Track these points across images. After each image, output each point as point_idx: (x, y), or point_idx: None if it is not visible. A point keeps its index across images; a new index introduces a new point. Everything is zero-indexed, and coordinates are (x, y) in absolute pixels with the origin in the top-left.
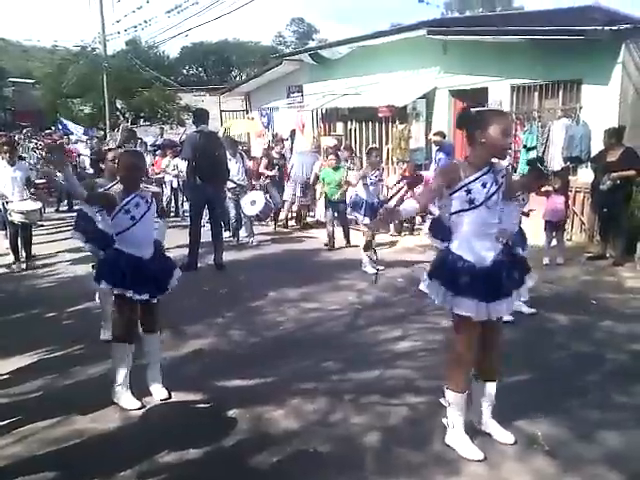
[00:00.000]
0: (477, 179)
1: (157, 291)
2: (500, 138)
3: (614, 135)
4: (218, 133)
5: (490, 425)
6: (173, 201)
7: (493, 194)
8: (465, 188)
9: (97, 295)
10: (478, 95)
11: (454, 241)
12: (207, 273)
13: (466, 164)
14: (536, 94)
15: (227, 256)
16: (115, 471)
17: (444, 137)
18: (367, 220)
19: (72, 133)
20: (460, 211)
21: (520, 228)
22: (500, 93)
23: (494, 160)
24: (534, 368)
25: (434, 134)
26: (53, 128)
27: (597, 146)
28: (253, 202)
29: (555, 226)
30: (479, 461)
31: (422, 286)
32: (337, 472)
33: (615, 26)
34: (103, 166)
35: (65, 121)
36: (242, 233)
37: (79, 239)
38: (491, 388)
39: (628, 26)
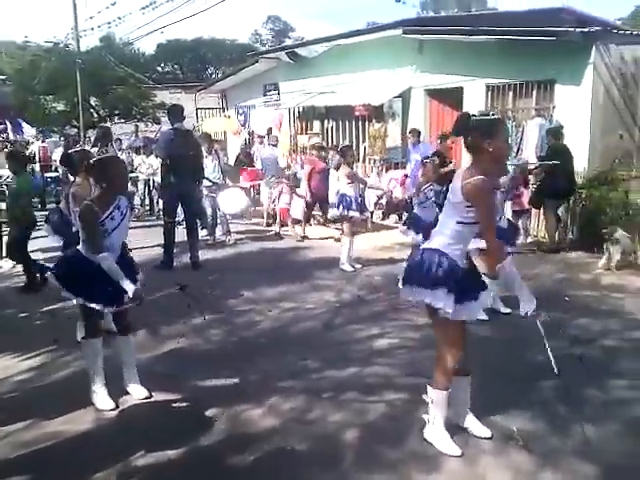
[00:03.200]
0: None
1: (118, 301)
2: (505, 148)
3: (550, 134)
4: (193, 131)
5: (467, 420)
6: (148, 200)
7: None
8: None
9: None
10: (453, 95)
11: (449, 245)
12: (184, 272)
13: (486, 175)
14: (510, 94)
15: (204, 255)
16: (89, 474)
17: (419, 135)
18: (357, 214)
19: (23, 133)
20: (473, 223)
21: (511, 223)
22: (475, 93)
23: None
24: (508, 365)
25: (409, 132)
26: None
27: (570, 145)
28: (232, 200)
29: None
30: (457, 457)
31: (428, 299)
32: (316, 470)
33: (586, 28)
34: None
35: (20, 120)
36: (218, 232)
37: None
38: (468, 382)
39: (598, 28)
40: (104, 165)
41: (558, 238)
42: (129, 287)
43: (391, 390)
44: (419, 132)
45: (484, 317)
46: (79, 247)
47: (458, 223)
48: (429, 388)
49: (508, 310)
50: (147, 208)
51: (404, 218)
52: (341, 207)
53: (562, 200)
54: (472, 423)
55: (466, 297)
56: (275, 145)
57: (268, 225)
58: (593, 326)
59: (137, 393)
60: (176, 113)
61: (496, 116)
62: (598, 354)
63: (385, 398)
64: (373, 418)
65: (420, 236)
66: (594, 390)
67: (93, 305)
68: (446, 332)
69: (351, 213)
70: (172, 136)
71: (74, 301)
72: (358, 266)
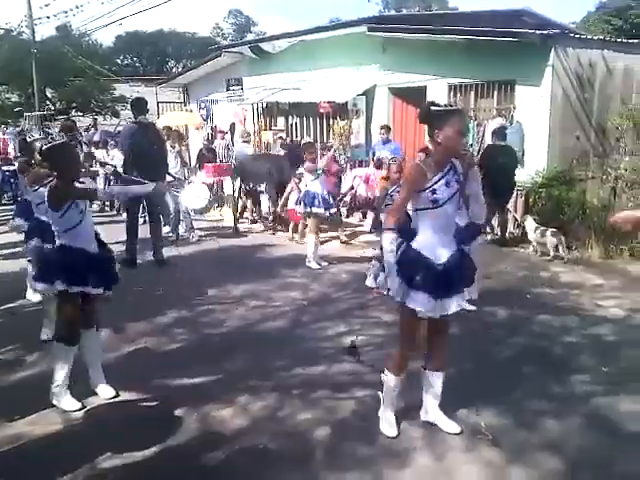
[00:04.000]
0: (441, 179)
1: (110, 283)
2: (455, 138)
3: (494, 134)
4: (156, 124)
5: (436, 416)
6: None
7: (455, 193)
8: (431, 188)
9: (29, 292)
10: (417, 93)
11: (414, 237)
12: (147, 270)
13: (430, 162)
14: (472, 93)
15: (168, 252)
16: (56, 476)
17: (389, 132)
18: (321, 211)
19: None
20: (424, 209)
21: (472, 224)
22: (438, 92)
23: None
24: (474, 361)
25: (381, 127)
26: None
27: (530, 145)
28: (195, 196)
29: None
30: (393, 438)
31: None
32: (287, 468)
33: (546, 31)
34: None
35: None
36: (181, 228)
37: (20, 226)
38: (438, 379)
39: (557, 31)
40: (56, 152)
41: (507, 234)
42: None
43: (360, 387)
44: (389, 128)
45: (472, 308)
46: (59, 241)
47: (414, 211)
48: (385, 369)
49: (473, 307)
50: (107, 203)
51: (369, 217)
52: (303, 204)
53: (499, 199)
54: (441, 419)
55: (427, 289)
56: (247, 141)
57: (236, 221)
58: (552, 322)
59: (104, 393)
60: (139, 106)
61: (453, 107)
62: (560, 350)
63: (354, 395)
64: (343, 415)
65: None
66: (557, 385)
67: (88, 289)
68: (400, 318)
69: (315, 210)
70: (135, 130)
71: (58, 289)
72: (324, 264)
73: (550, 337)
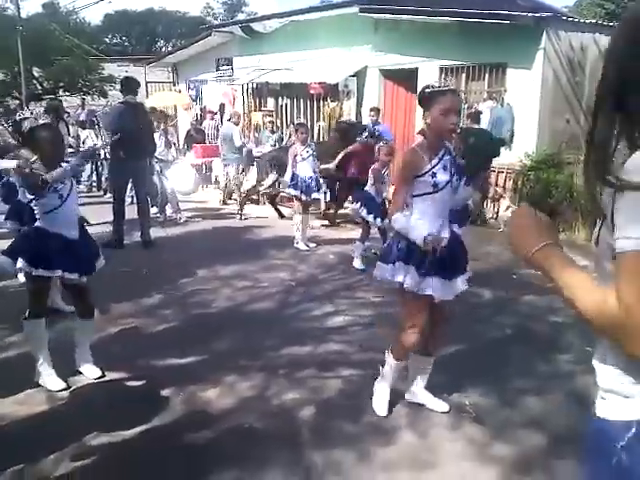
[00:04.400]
0: (439, 162)
1: (85, 271)
2: (440, 118)
3: (469, 117)
4: (144, 105)
5: (425, 398)
6: (95, 175)
7: (452, 176)
8: (430, 172)
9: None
10: (408, 75)
11: (416, 222)
12: (134, 251)
13: (425, 146)
14: (463, 75)
15: (155, 233)
16: (41, 455)
17: (379, 114)
18: (303, 196)
19: None
20: (424, 194)
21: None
22: (429, 74)
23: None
24: (459, 342)
25: (371, 109)
26: None
27: (520, 128)
28: (181, 177)
29: None
30: (383, 417)
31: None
32: (274, 447)
33: (538, 13)
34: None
35: None
36: (169, 209)
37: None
38: (429, 364)
39: (549, 14)
40: (37, 133)
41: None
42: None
43: (347, 366)
44: (379, 110)
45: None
46: (37, 224)
47: (412, 197)
48: (387, 351)
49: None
50: (94, 184)
51: (354, 196)
52: (292, 187)
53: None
54: (429, 399)
55: (432, 273)
56: (237, 123)
57: (224, 203)
58: (538, 302)
59: (90, 373)
60: (128, 86)
61: (441, 87)
62: (546, 329)
63: (341, 374)
64: (330, 394)
65: (372, 216)
66: (542, 364)
67: (58, 273)
68: (406, 305)
69: (293, 192)
70: (122, 109)
71: (18, 267)
72: (312, 245)
73: (535, 317)
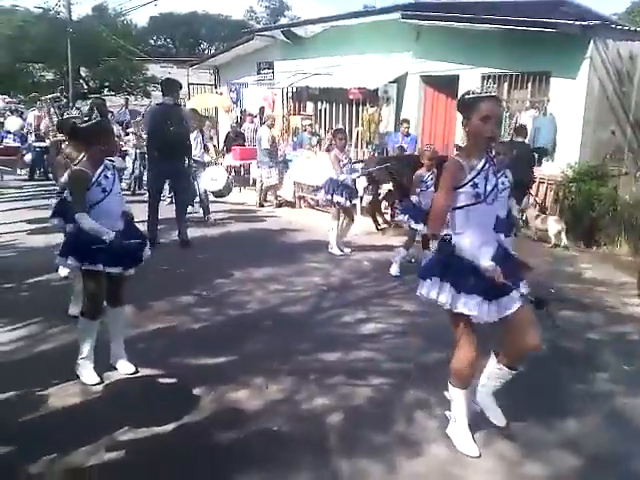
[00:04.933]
0: (480, 172)
1: (130, 264)
2: (480, 125)
3: (514, 130)
4: (182, 106)
5: (485, 401)
6: (138, 173)
7: (495, 186)
8: (471, 183)
9: (61, 268)
10: (449, 82)
11: (457, 236)
12: (171, 250)
13: (464, 156)
14: (506, 84)
15: (192, 233)
16: (74, 447)
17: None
18: (342, 200)
19: None
20: (465, 206)
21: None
22: (471, 81)
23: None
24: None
25: (404, 121)
26: None
27: (563, 138)
28: (213, 179)
29: None
30: (475, 457)
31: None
32: (301, 452)
33: (585, 21)
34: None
35: None
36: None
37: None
38: (506, 373)
39: (597, 22)
40: (94, 129)
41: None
42: (109, 236)
43: (377, 375)
44: (409, 121)
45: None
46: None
47: (457, 209)
48: (449, 384)
49: None
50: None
51: (399, 205)
52: (323, 192)
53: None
54: (489, 406)
55: (476, 291)
56: (271, 126)
57: (260, 206)
58: (576, 319)
59: (124, 368)
60: (168, 87)
61: (482, 94)
62: (583, 347)
63: (371, 382)
64: (359, 402)
65: (421, 225)
66: (578, 383)
67: (100, 268)
68: (456, 330)
69: (336, 198)
70: (156, 110)
71: (83, 266)
72: (347, 250)
73: (573, 334)
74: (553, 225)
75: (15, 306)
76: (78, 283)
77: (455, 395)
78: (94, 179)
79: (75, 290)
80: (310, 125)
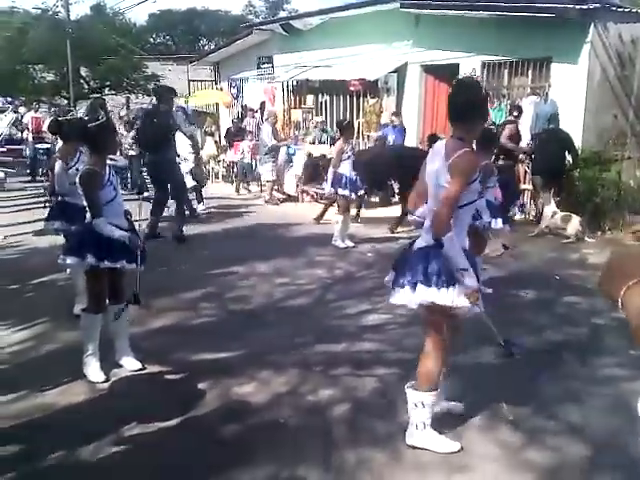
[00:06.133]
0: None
1: (141, 260)
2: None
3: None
4: (169, 107)
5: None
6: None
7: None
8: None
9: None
10: (449, 71)
11: (448, 237)
12: (171, 246)
13: (468, 146)
14: (506, 71)
15: (194, 229)
16: (82, 443)
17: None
18: (348, 193)
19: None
20: (469, 204)
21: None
22: (471, 69)
23: None
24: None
25: (394, 114)
26: None
27: (565, 124)
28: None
29: None
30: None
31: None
32: (306, 443)
33: (585, 5)
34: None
35: None
36: (201, 206)
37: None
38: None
39: (597, 5)
40: (101, 131)
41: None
42: (126, 236)
43: (381, 365)
44: (400, 114)
45: None
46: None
47: (463, 207)
48: (417, 393)
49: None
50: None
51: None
52: (329, 185)
53: (547, 180)
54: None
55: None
56: (274, 123)
57: (265, 202)
58: (581, 304)
59: (130, 365)
60: (164, 95)
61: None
62: (587, 333)
63: (375, 373)
64: (364, 393)
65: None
66: (583, 368)
67: (120, 265)
68: (439, 326)
69: (341, 192)
70: (144, 113)
71: (88, 262)
72: (351, 243)
73: (578, 319)
74: (574, 224)
75: (21, 307)
76: (79, 280)
77: (428, 399)
78: (106, 178)
79: (79, 289)
80: (322, 122)
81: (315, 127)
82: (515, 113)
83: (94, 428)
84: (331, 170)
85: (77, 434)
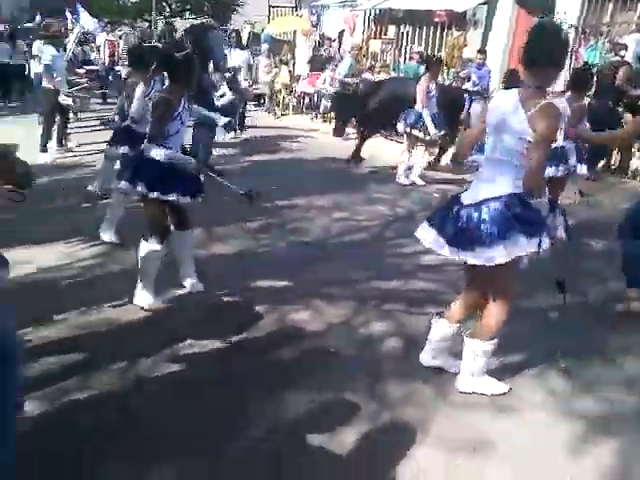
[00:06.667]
0: None
1: (196, 192)
2: None
3: None
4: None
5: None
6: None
7: None
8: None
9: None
10: (545, 4)
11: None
12: (234, 180)
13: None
14: (610, 5)
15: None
16: (139, 357)
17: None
18: (421, 134)
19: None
20: None
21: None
22: (569, 3)
23: None
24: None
25: (479, 51)
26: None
27: None
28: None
29: None
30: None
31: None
32: (355, 371)
33: None
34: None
35: (80, 9)
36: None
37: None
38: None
39: None
40: (185, 62)
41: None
42: (193, 164)
43: (434, 305)
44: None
45: None
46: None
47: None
48: (484, 343)
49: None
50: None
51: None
52: (403, 123)
53: None
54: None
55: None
56: (356, 57)
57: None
58: None
59: (193, 287)
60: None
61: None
62: None
63: (427, 311)
64: (414, 330)
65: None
66: None
67: (171, 197)
68: (508, 276)
69: (415, 132)
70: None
71: (139, 190)
72: (420, 182)
73: None
74: None
75: (93, 224)
76: (117, 209)
77: (488, 347)
78: (178, 111)
79: (110, 214)
80: (419, 53)
81: (411, 59)
82: (622, 53)
83: (152, 344)
84: (419, 108)
85: (136, 348)
